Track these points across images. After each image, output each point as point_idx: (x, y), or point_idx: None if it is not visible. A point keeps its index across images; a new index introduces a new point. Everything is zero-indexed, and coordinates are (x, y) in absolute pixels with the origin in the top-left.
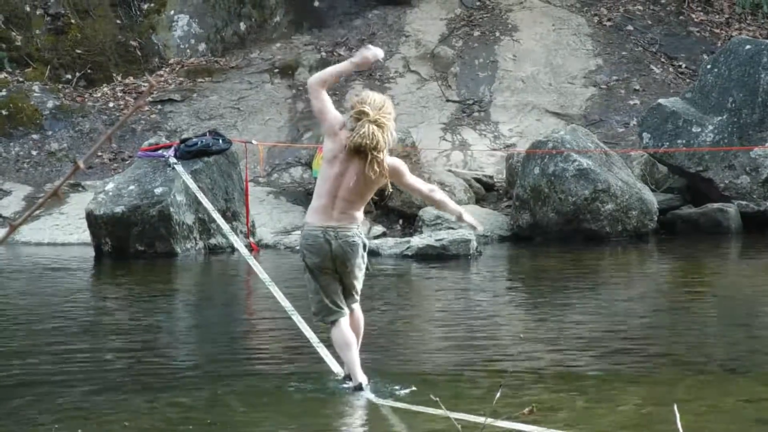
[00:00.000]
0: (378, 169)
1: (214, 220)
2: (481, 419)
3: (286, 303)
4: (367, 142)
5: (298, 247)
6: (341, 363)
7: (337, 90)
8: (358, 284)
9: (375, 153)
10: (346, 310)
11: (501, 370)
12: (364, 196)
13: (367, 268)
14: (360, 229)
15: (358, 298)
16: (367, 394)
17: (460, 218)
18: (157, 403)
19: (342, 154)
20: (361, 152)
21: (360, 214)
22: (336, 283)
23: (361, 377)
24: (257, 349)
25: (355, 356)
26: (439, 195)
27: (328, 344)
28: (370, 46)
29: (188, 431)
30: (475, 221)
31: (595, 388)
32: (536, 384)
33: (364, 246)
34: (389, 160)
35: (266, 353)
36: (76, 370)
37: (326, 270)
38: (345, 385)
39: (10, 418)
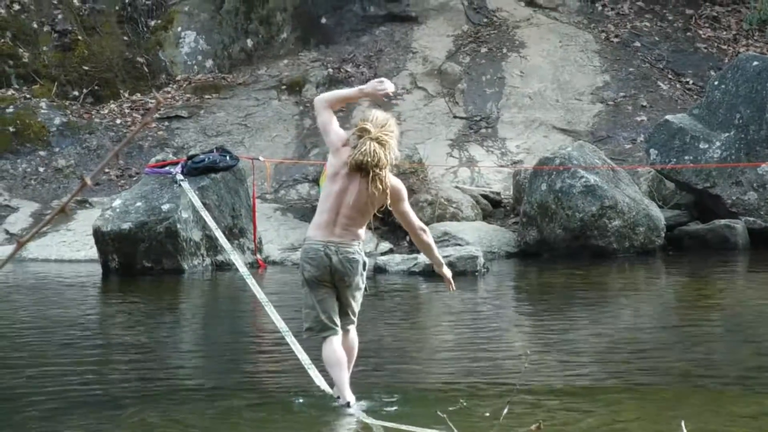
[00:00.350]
0: (381, 187)
1: (217, 238)
2: None
3: (281, 324)
4: (369, 159)
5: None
6: (332, 384)
7: (345, 106)
8: (356, 304)
9: (377, 170)
10: (340, 330)
11: (508, 385)
12: (365, 213)
13: (365, 289)
14: (361, 246)
15: (354, 319)
16: (357, 413)
17: (439, 269)
18: (159, 419)
19: (344, 170)
20: (362, 169)
21: (362, 232)
22: (333, 299)
23: (349, 396)
24: (260, 366)
25: (344, 376)
26: (428, 238)
27: (321, 366)
28: (383, 79)
29: None
30: (451, 280)
31: (603, 404)
32: (544, 400)
33: (364, 265)
34: (393, 181)
35: (269, 370)
36: (80, 387)
37: (324, 284)
38: (340, 403)
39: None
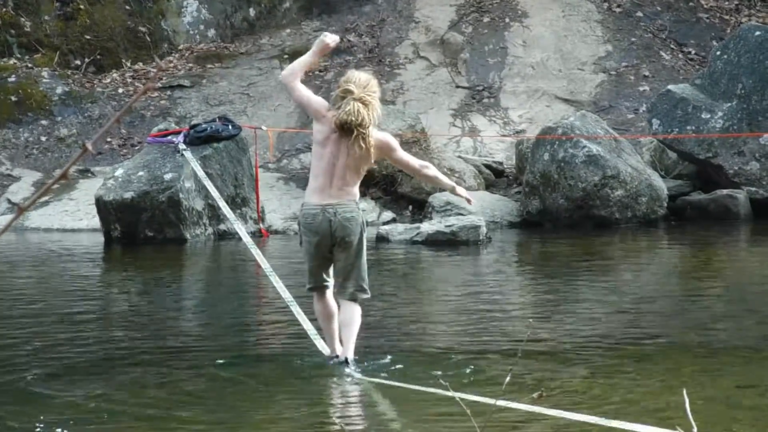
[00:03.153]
0: (364, 145)
1: (220, 207)
2: (490, 401)
3: (286, 294)
4: (353, 118)
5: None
6: (332, 344)
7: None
8: (362, 269)
9: (361, 129)
10: (331, 286)
11: (511, 353)
12: (358, 171)
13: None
14: (358, 204)
15: (364, 286)
16: (353, 372)
17: (453, 191)
18: (158, 382)
19: (334, 135)
20: (347, 129)
21: (356, 190)
22: (329, 261)
23: (339, 349)
24: (263, 333)
25: (334, 328)
26: (432, 171)
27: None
28: (326, 33)
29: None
30: (470, 195)
31: (604, 372)
32: (546, 368)
33: (365, 222)
34: (379, 135)
35: (272, 338)
36: (81, 352)
37: (322, 248)
38: (348, 369)
39: (18, 400)
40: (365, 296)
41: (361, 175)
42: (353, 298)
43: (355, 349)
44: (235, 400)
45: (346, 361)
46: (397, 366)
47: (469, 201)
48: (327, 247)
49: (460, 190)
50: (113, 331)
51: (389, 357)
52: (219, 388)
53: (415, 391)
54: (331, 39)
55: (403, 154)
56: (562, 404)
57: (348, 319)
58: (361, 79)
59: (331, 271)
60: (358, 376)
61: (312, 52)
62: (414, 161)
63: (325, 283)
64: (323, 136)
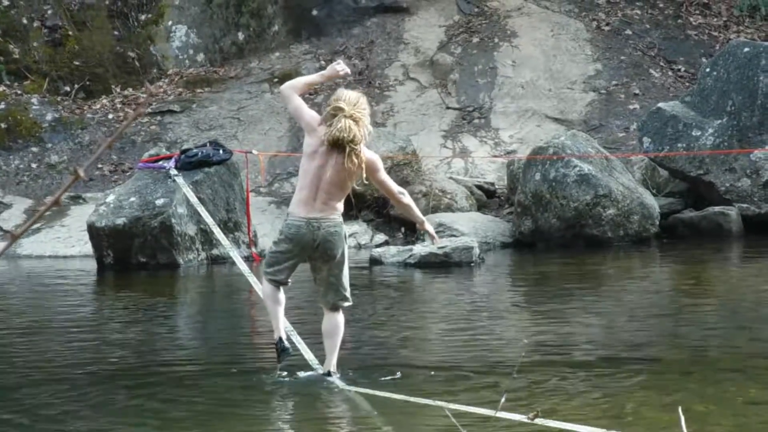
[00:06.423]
0: (356, 161)
1: (214, 233)
2: (481, 410)
3: (286, 324)
4: (344, 135)
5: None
6: (277, 326)
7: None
8: (344, 279)
9: (352, 146)
10: (288, 284)
11: (506, 372)
12: (344, 187)
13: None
14: (341, 219)
15: (346, 295)
16: (333, 379)
17: (421, 226)
18: (154, 403)
19: (322, 148)
20: (339, 145)
21: (340, 206)
22: (296, 266)
23: (283, 333)
24: (257, 357)
25: (280, 311)
26: (407, 199)
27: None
28: (340, 61)
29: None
30: (434, 233)
31: (598, 391)
32: (540, 388)
33: (345, 236)
34: (367, 154)
35: (268, 362)
36: (75, 374)
37: (300, 256)
38: (330, 378)
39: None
40: (347, 304)
41: (346, 191)
42: (336, 308)
43: (358, 363)
44: (230, 417)
45: (329, 374)
46: (390, 378)
47: (433, 239)
48: (304, 258)
49: (427, 225)
50: (106, 354)
51: (396, 373)
52: (215, 408)
53: (408, 403)
54: (342, 68)
55: (385, 177)
56: (558, 419)
57: (331, 330)
58: (351, 97)
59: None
60: (344, 386)
61: (320, 74)
62: (394, 185)
63: (287, 283)
64: (312, 149)
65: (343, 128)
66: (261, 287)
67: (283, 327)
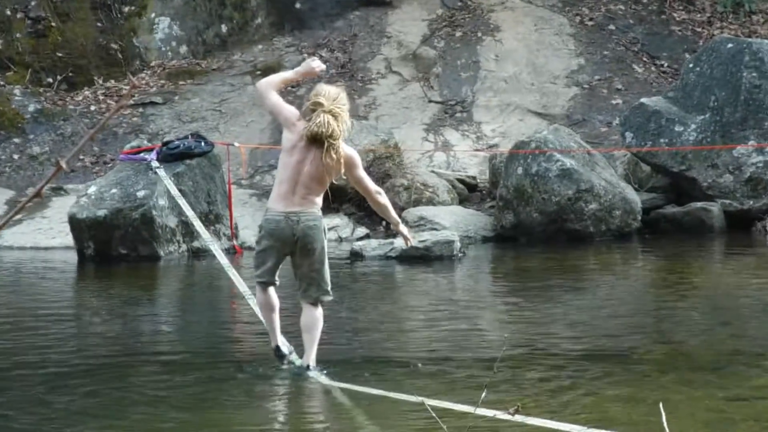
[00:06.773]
0: (335, 156)
1: (194, 225)
2: (469, 408)
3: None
4: (323, 130)
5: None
6: (274, 335)
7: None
8: (324, 273)
9: (331, 141)
10: (277, 282)
11: (487, 366)
12: (322, 182)
13: None
14: (320, 213)
15: (326, 289)
16: (312, 373)
17: (396, 227)
18: (132, 393)
19: (301, 143)
20: (317, 140)
21: (319, 200)
22: (280, 261)
23: (280, 341)
24: (239, 350)
25: (275, 319)
26: (383, 199)
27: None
28: (315, 58)
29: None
30: (410, 236)
31: (580, 387)
32: (520, 382)
33: (325, 230)
34: (346, 150)
35: (247, 354)
36: (54, 367)
37: (282, 252)
38: (310, 373)
39: None
40: (328, 298)
41: (324, 186)
42: (316, 302)
43: (338, 357)
44: (213, 410)
45: (308, 368)
46: (369, 373)
47: (406, 241)
48: (286, 253)
49: (402, 227)
50: (86, 342)
51: (418, 365)
52: (197, 400)
53: (388, 398)
54: (318, 65)
55: (363, 174)
56: (539, 414)
57: (309, 324)
58: (330, 93)
59: (278, 270)
60: (325, 380)
61: (295, 71)
62: (371, 184)
63: (275, 281)
64: (291, 144)
65: (322, 123)
66: (244, 285)
67: (279, 333)
